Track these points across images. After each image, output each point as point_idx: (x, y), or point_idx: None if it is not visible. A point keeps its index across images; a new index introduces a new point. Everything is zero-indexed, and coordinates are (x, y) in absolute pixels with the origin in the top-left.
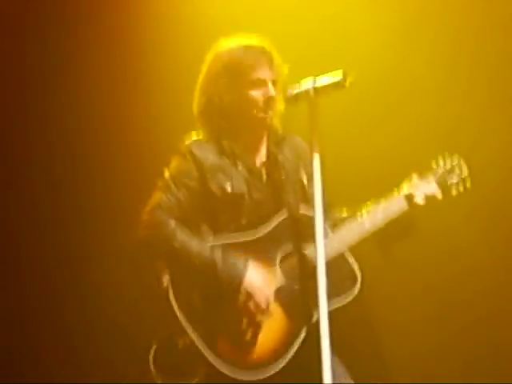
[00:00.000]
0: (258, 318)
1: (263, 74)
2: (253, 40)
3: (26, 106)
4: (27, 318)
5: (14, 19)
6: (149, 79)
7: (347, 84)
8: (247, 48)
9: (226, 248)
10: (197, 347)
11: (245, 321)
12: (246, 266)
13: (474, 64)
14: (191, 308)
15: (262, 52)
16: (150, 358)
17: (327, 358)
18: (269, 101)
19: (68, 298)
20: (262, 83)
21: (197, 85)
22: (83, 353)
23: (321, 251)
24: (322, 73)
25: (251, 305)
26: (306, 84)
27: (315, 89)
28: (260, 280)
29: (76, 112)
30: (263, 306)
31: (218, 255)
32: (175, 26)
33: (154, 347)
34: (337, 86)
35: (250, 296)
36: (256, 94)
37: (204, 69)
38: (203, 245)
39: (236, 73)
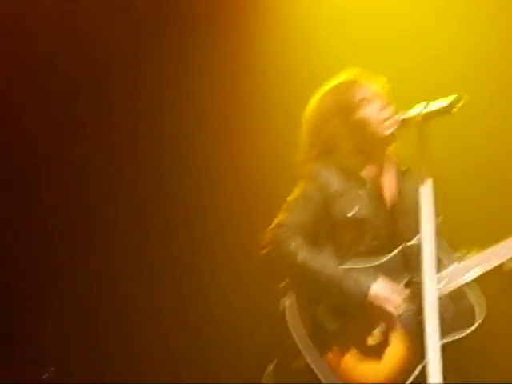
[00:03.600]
0: (386, 328)
1: (368, 93)
2: (365, 76)
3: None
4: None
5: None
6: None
7: (455, 109)
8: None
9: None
10: (311, 370)
11: (372, 332)
12: (375, 277)
13: None
14: (314, 324)
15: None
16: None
17: None
18: (386, 111)
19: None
20: (370, 99)
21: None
22: (199, 369)
23: (430, 283)
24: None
25: (379, 315)
26: (415, 110)
27: (423, 114)
28: (388, 290)
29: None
30: (392, 315)
31: (341, 271)
32: (289, 60)
33: (270, 367)
34: (443, 111)
35: (377, 307)
36: (371, 110)
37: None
38: (327, 261)
39: (347, 108)
